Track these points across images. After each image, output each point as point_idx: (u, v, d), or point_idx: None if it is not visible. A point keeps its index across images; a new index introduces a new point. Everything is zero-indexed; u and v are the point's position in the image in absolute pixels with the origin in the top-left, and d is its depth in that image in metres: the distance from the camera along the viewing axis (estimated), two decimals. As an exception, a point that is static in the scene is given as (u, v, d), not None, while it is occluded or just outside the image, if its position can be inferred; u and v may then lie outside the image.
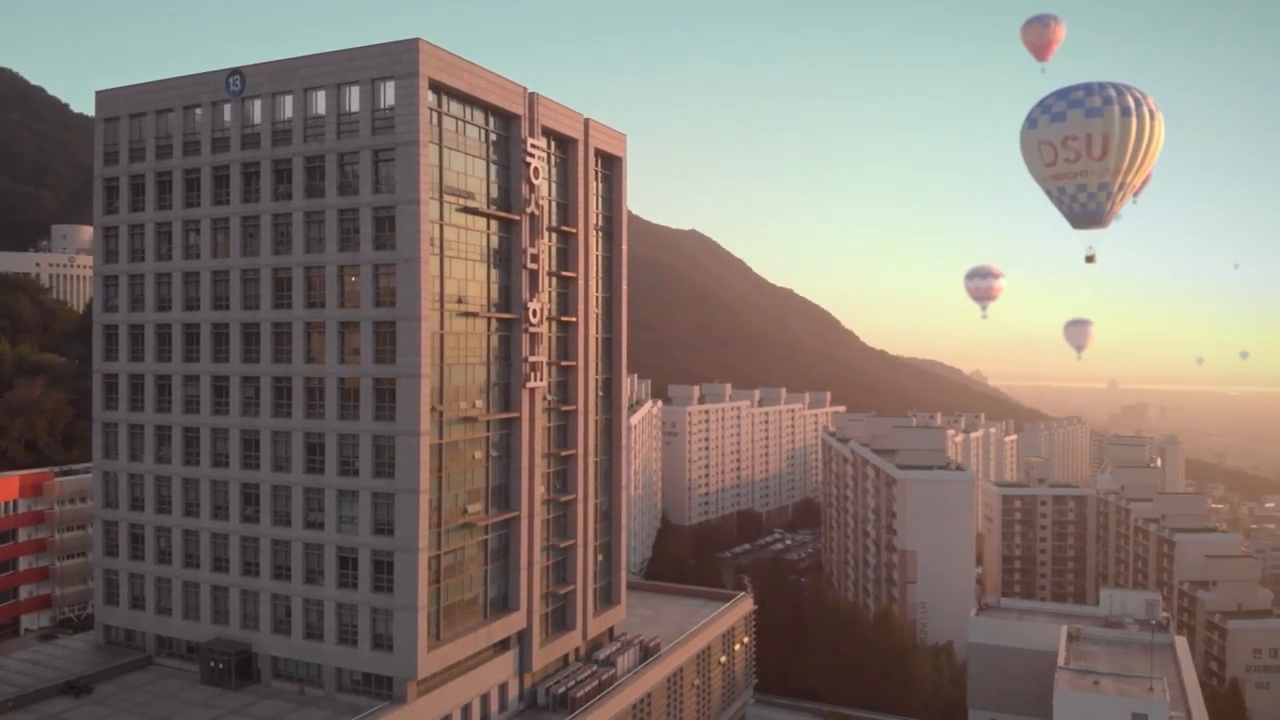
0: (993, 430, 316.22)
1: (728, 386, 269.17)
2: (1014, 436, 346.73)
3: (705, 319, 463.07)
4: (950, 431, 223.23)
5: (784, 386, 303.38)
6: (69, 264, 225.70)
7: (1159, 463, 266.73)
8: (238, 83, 77.30)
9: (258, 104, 77.26)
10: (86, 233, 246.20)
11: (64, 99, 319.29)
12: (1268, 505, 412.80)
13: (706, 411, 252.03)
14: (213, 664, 77.22)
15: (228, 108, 78.53)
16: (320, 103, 74.90)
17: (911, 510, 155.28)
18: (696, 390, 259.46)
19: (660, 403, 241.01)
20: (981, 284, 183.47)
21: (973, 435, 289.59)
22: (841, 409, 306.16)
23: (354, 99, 73.74)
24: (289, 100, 75.98)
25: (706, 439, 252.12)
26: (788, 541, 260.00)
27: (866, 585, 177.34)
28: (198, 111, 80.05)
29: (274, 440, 77.09)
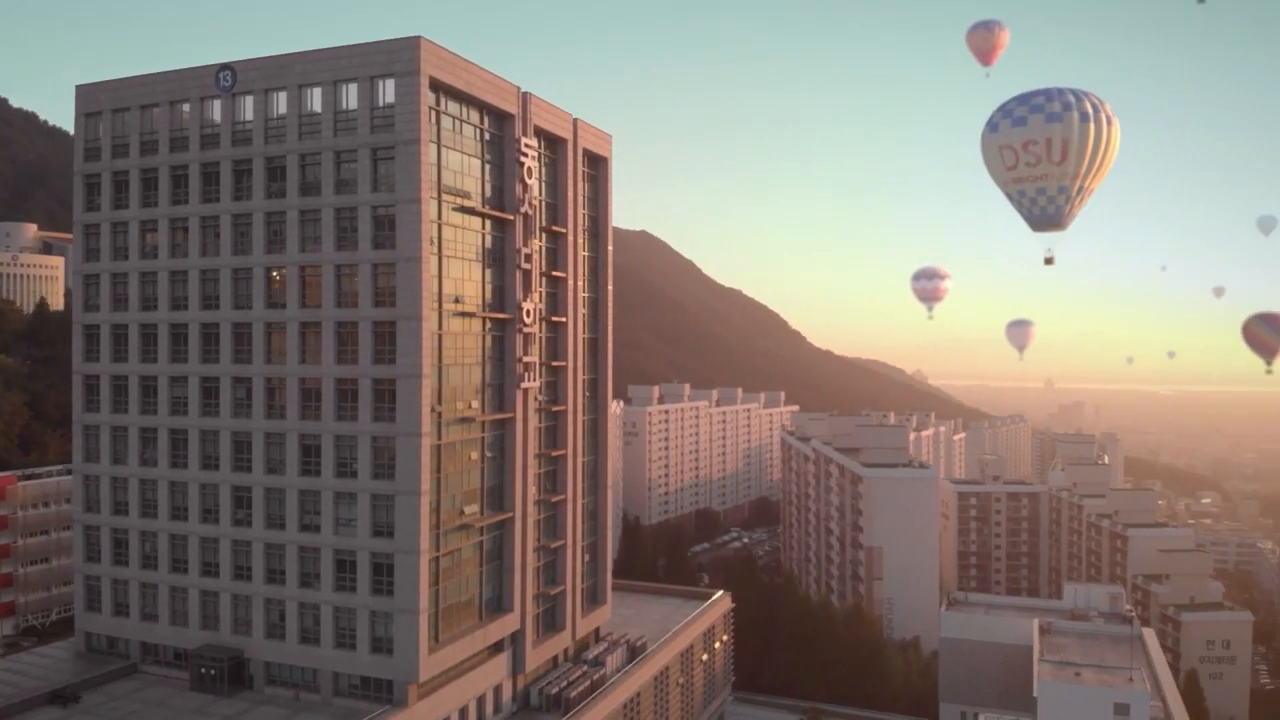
0: (942, 429, 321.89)
1: (686, 387, 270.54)
2: (962, 435, 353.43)
3: (656, 319, 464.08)
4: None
5: (734, 386, 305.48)
6: (12, 262, 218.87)
7: (1106, 459, 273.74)
8: (229, 78, 75.88)
9: (249, 100, 75.93)
10: (30, 230, 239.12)
11: (1, 93, 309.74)
12: (1204, 501, 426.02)
13: (666, 412, 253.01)
14: (204, 670, 75.72)
15: (217, 104, 77.05)
16: (316, 100, 73.94)
17: (877, 507, 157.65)
18: (656, 391, 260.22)
19: (622, 403, 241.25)
20: (928, 285, 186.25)
21: (924, 434, 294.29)
22: (795, 408, 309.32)
23: (351, 96, 72.92)
24: (283, 97, 74.81)
25: (666, 439, 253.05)
26: (745, 540, 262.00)
27: (830, 582, 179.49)
28: (185, 107, 78.48)
29: (267, 442, 75.86)
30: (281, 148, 74.70)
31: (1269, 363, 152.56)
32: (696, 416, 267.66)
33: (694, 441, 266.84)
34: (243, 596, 76.94)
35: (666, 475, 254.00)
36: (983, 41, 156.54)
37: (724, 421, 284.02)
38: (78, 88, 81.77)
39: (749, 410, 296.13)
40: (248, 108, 76.14)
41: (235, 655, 76.02)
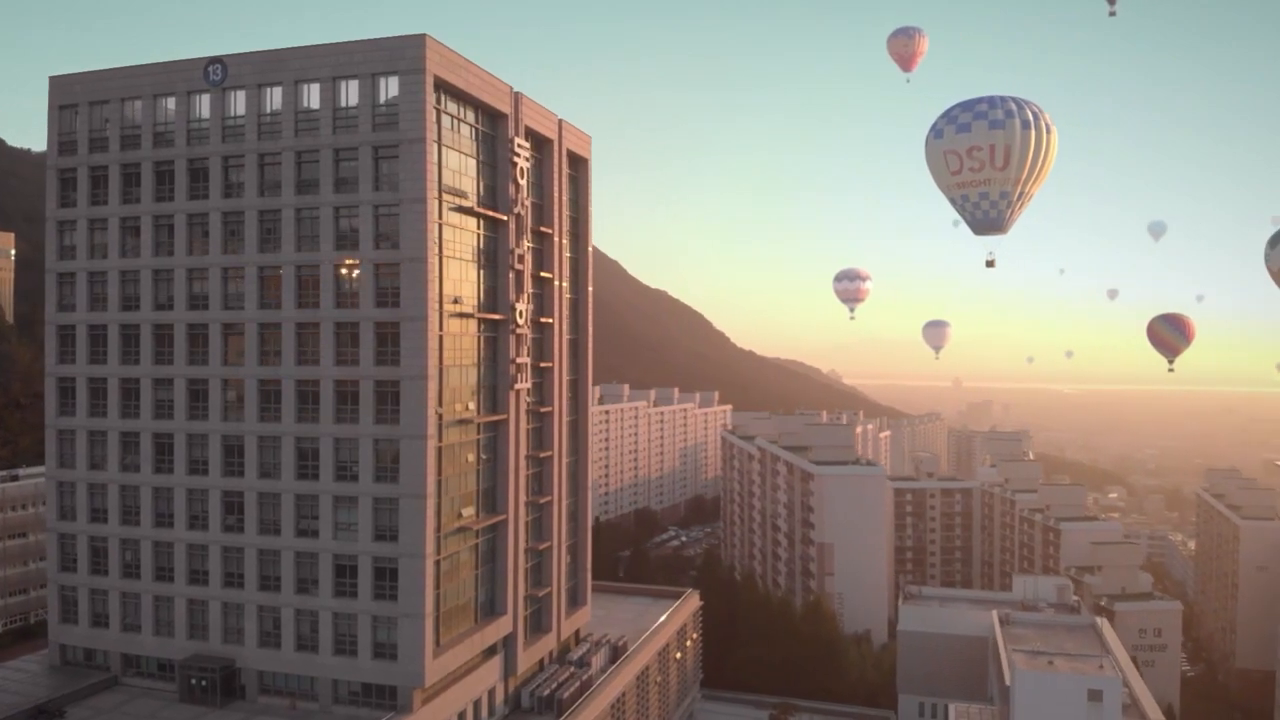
0: (869, 426, 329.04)
1: (626, 387, 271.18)
2: (888, 433, 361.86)
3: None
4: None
5: (661, 386, 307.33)
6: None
7: (1031, 455, 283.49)
8: (219, 72, 73.91)
9: (241, 95, 74.03)
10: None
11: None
12: (1111, 495, 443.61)
13: (606, 412, 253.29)
14: (194, 681, 73.59)
15: (205, 98, 74.94)
16: (314, 96, 72.50)
17: (829, 504, 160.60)
18: (596, 391, 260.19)
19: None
20: (850, 286, 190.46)
21: (854, 432, 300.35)
22: (729, 408, 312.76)
23: (351, 93, 71.73)
24: (278, 92, 73.16)
25: (606, 439, 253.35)
26: (684, 538, 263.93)
27: (778, 578, 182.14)
28: (170, 101, 76.13)
29: (260, 446, 74.08)
30: (277, 144, 73.02)
31: (1171, 362, 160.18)
32: (635, 417, 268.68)
33: (633, 442, 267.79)
34: (234, 604, 74.96)
35: (607, 476, 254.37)
36: (903, 48, 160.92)
37: (662, 422, 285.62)
38: (51, 79, 78.59)
39: (685, 410, 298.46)
40: (239, 103, 74.21)
41: (227, 665, 74.07)
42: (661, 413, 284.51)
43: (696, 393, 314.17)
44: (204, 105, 74.98)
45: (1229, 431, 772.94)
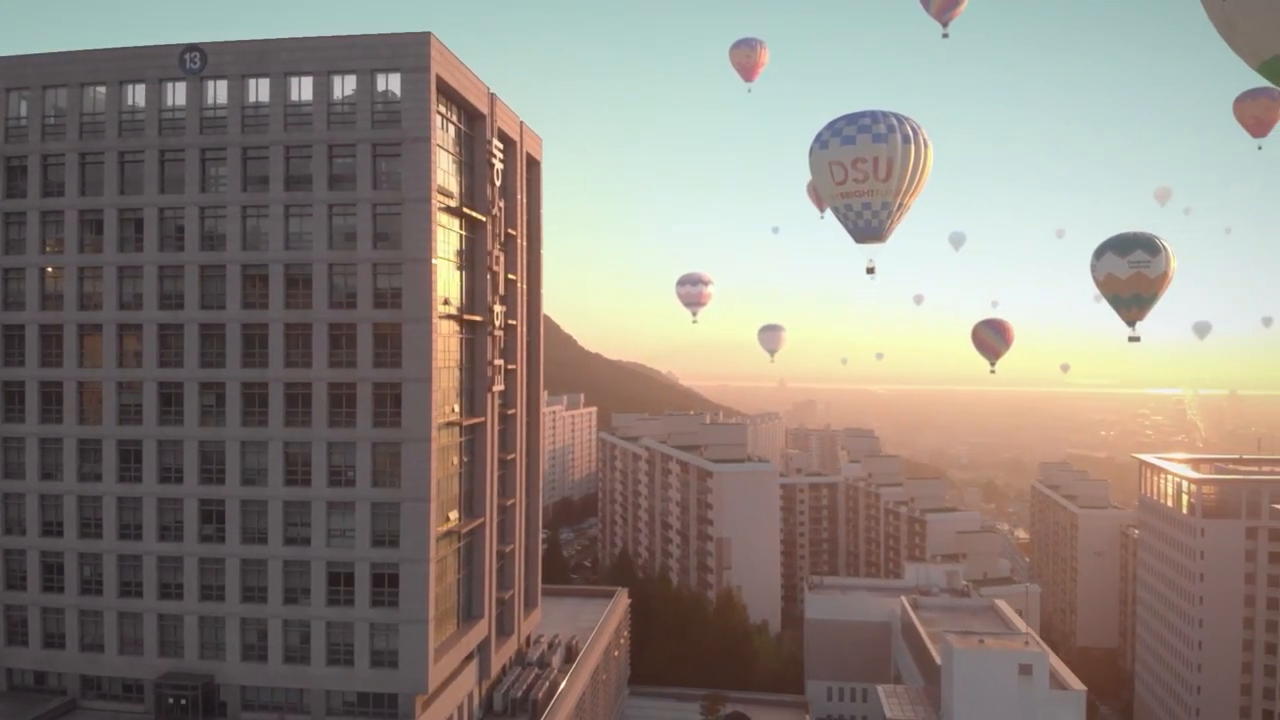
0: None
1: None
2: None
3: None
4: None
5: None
6: None
7: (883, 451, 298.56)
8: (197, 60, 70.40)
9: (223, 85, 70.83)
10: None
11: None
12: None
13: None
14: (172, 700, 69.80)
15: (180, 86, 71.22)
16: (306, 90, 70.22)
17: (727, 501, 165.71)
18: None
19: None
20: (692, 290, 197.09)
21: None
22: (594, 409, 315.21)
23: (347, 89, 70.03)
24: (264, 84, 70.44)
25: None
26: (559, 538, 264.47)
27: (669, 575, 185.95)
28: (137, 88, 71.88)
29: (244, 452, 71.04)
30: (263, 138, 70.29)
31: (993, 364, 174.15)
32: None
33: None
34: (211, 619, 71.52)
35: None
36: (744, 59, 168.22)
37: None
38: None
39: (554, 412, 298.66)
40: (219, 93, 70.97)
41: (207, 681, 70.63)
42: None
43: (564, 395, 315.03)
44: (178, 94, 71.23)
45: (1030, 429, 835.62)
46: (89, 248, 72.36)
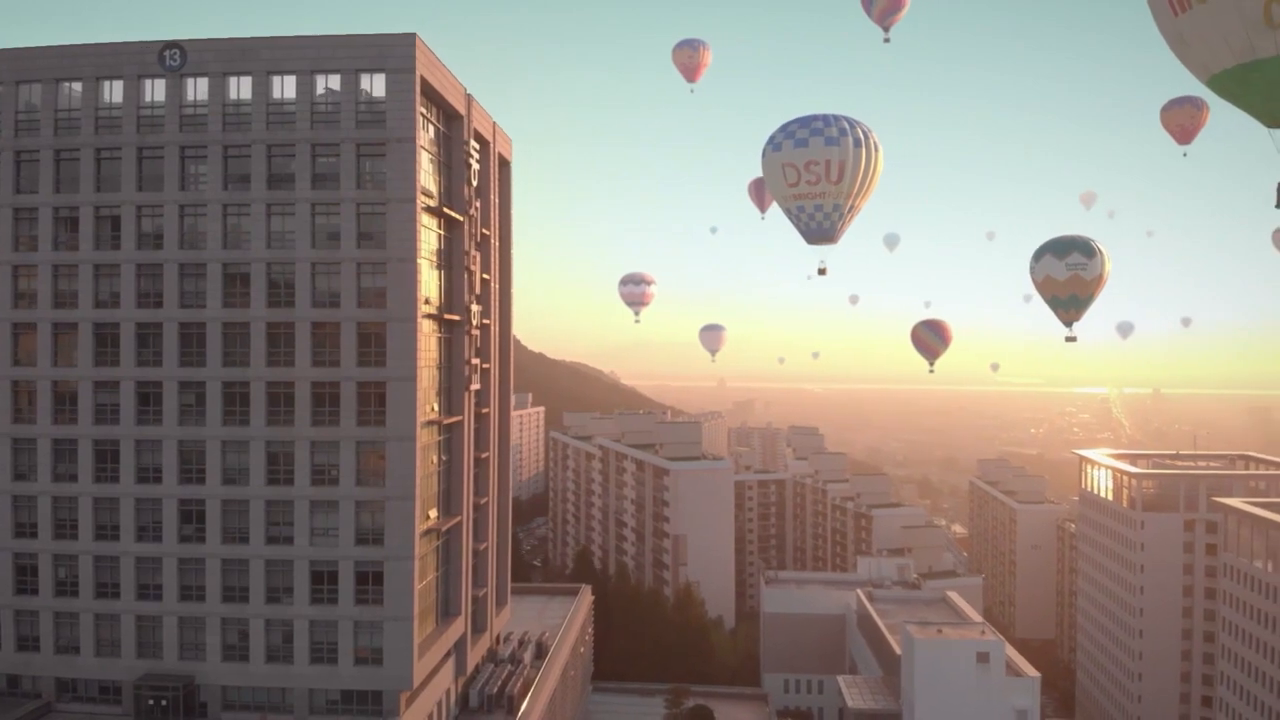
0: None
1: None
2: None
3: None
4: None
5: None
6: None
7: (829, 448, 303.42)
8: (177, 57, 69.99)
9: (203, 83, 70.48)
10: None
11: None
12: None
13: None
14: (152, 702, 69.32)
15: (160, 84, 70.69)
16: (289, 88, 70.25)
17: (684, 498, 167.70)
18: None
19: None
20: (635, 290, 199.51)
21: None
22: (541, 409, 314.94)
23: (331, 88, 70.18)
24: (246, 82, 70.25)
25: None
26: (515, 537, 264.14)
27: (625, 572, 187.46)
28: (114, 85, 71.14)
29: (224, 451, 70.80)
30: (245, 136, 70.13)
31: (932, 363, 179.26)
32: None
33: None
34: (191, 619, 71.12)
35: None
36: (688, 59, 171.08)
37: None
38: (-33, 52, 71.31)
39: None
40: (200, 91, 70.63)
41: (187, 682, 70.25)
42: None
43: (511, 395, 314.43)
44: (158, 90, 70.72)
45: (962, 427, 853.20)
46: (64, 245, 71.44)
